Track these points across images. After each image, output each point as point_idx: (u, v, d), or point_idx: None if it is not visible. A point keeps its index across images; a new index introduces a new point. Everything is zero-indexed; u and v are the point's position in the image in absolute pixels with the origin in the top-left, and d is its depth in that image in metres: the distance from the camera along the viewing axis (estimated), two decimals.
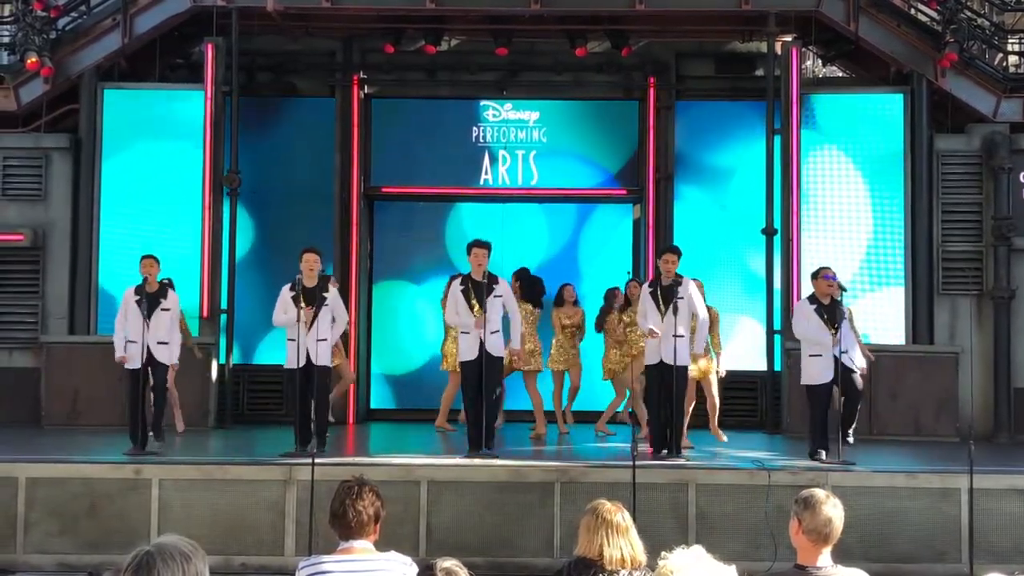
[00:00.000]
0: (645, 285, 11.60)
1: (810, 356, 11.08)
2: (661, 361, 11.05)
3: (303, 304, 11.10)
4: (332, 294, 11.46)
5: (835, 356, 10.78)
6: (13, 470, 10.24)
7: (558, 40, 15.59)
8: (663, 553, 3.65)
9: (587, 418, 14.09)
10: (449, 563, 3.78)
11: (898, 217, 14.73)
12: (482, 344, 11.08)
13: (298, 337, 11.13)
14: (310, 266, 11.31)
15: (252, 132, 15.23)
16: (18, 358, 14.64)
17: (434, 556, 3.83)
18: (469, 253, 11.43)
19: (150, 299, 11.34)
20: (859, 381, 11.11)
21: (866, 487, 10.17)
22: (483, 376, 11.05)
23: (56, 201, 14.84)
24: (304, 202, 15.72)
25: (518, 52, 15.70)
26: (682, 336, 11.01)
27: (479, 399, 11.17)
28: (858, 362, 11.19)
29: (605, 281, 14.41)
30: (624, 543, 4.89)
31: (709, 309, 11.97)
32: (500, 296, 11.28)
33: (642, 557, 4.90)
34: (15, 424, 13.79)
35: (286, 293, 11.37)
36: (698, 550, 3.64)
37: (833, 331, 10.86)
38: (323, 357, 11.21)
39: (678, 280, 11.15)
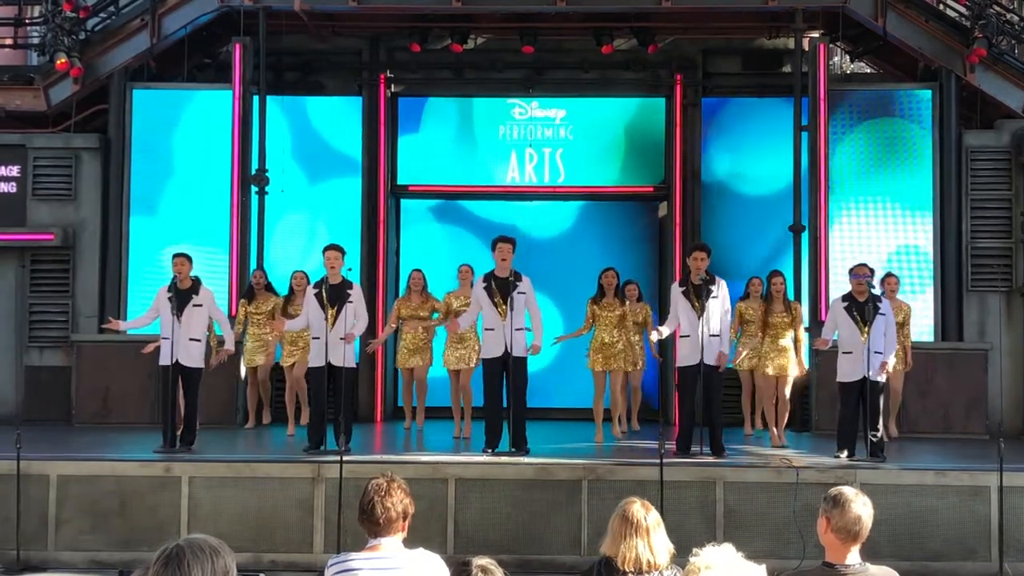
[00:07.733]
0: (676, 285, 11.53)
1: (842, 353, 11.05)
2: (700, 362, 10.98)
3: (327, 303, 11.15)
4: (356, 293, 11.46)
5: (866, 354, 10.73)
6: (45, 468, 10.32)
7: (584, 38, 15.57)
8: (694, 550, 3.66)
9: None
10: (484, 561, 3.78)
11: (927, 213, 14.66)
12: (507, 342, 11.07)
13: (322, 336, 11.19)
14: (331, 263, 11.33)
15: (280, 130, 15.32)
16: (49, 357, 14.76)
17: (462, 553, 3.84)
18: (494, 248, 11.39)
19: (181, 296, 11.39)
20: (879, 381, 10.93)
21: (895, 485, 10.13)
22: (508, 374, 11.06)
23: (86, 201, 14.95)
24: (332, 200, 15.78)
25: (544, 50, 15.70)
26: (716, 336, 10.99)
27: (498, 397, 11.18)
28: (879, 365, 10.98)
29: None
30: (642, 544, 4.76)
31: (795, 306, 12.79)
32: (524, 293, 11.26)
33: (661, 561, 4.78)
34: (46, 422, 13.88)
35: (310, 292, 11.42)
36: (728, 548, 3.65)
37: (864, 329, 10.79)
38: (345, 357, 11.20)
39: (710, 278, 11.11)
